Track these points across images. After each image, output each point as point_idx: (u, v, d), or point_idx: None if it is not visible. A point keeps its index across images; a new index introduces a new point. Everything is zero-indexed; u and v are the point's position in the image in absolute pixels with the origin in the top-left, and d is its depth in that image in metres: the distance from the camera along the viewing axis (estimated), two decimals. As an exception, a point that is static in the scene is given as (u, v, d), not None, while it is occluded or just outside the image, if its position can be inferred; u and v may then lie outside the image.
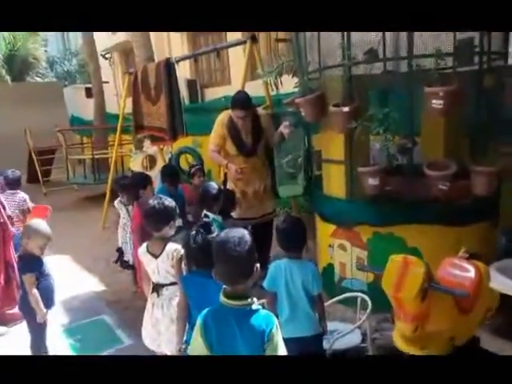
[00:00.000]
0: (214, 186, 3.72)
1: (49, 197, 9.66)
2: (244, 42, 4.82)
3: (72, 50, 19.81)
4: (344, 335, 2.82)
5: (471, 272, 2.17)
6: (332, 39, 3.53)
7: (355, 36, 3.39)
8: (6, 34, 15.90)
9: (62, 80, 17.85)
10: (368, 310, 2.92)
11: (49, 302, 2.94)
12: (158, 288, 2.69)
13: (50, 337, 3.13)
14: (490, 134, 3.31)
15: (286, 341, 1.71)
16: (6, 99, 12.67)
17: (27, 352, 3.04)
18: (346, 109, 3.24)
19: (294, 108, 4.29)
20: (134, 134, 7.01)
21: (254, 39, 4.66)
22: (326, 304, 2.78)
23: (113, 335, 3.72)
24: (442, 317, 2.03)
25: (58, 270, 5.28)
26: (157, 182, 7.34)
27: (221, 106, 8.30)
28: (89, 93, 13.44)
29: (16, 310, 3.44)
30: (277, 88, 3.71)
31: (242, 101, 4.16)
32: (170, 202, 2.76)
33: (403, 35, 3.51)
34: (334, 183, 3.76)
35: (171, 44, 11.48)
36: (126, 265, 4.48)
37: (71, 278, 4.96)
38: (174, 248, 2.64)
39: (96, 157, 9.72)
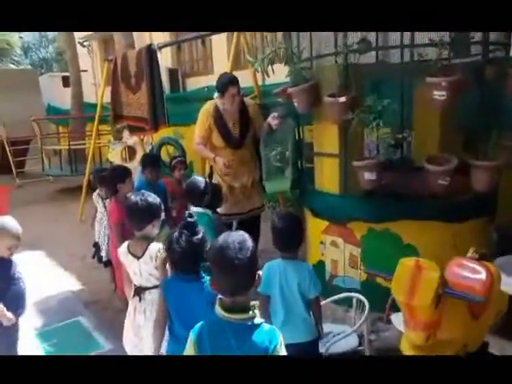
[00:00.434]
0: (200, 180, 3.50)
1: (23, 189, 9.28)
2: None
3: (49, 36, 19.20)
4: (341, 339, 2.65)
5: (482, 274, 2.00)
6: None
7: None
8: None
9: (37, 67, 17.27)
10: (366, 313, 2.76)
11: (18, 309, 2.62)
12: (140, 291, 2.46)
13: (21, 341, 2.87)
14: (490, 126, 3.16)
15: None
16: (-23, 86, 12.12)
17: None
18: (342, 99, 3.05)
19: (283, 98, 4.09)
20: (112, 123, 6.74)
21: (242, 25, 4.41)
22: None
23: (90, 339, 3.48)
24: (455, 323, 1.87)
25: (31, 267, 5.02)
26: (137, 175, 7.12)
27: (204, 96, 8.08)
28: (66, 81, 13.02)
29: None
30: (268, 76, 3.47)
31: (231, 77, 3.96)
32: (153, 198, 2.54)
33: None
34: (327, 177, 3.57)
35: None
36: (102, 261, 4.25)
37: (45, 276, 4.69)
38: (158, 248, 2.41)
39: (73, 147, 9.33)
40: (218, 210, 3.98)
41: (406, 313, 1.93)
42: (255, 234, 4.31)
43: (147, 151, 6.96)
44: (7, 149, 10.19)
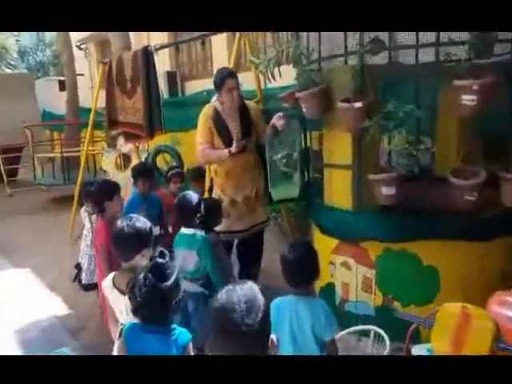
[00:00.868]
0: (192, 196, 3.16)
1: (14, 198, 8.90)
2: (232, 28, 4.21)
3: (46, 40, 18.90)
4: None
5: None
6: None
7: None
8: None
9: (34, 72, 16.95)
10: (387, 350, 2.40)
11: None
12: (126, 333, 2.10)
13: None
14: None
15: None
16: (-30, 91, 11.79)
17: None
18: (358, 104, 2.70)
19: (290, 103, 3.75)
20: (107, 130, 6.42)
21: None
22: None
23: (75, 372, 3.10)
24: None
25: (14, 287, 4.64)
26: (130, 187, 6.77)
27: (202, 100, 7.77)
28: (62, 86, 12.66)
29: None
30: (274, 79, 3.13)
31: (229, 70, 3.71)
32: (143, 223, 2.19)
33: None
34: (338, 191, 3.22)
35: (150, 32, 10.82)
36: (81, 285, 3.89)
37: (30, 299, 4.30)
38: None
39: (66, 155, 8.94)
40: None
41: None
42: (258, 253, 3.96)
43: (142, 159, 6.63)
44: (-2, 156, 9.82)
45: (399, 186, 2.77)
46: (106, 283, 2.19)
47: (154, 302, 1.73)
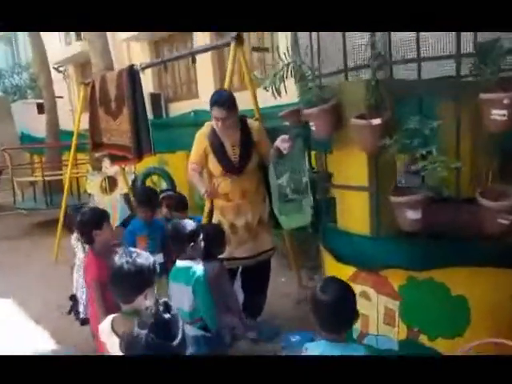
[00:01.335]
0: (187, 223, 2.90)
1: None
2: (227, 45, 3.98)
3: (22, 63, 18.49)
4: None
5: None
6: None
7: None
8: None
9: (10, 95, 16.51)
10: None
11: None
12: None
13: None
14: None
15: None
16: None
17: None
18: (376, 121, 2.47)
19: (291, 121, 3.51)
20: (90, 152, 6.14)
21: (240, 40, 3.84)
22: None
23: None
24: None
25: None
26: (118, 207, 6.44)
27: (189, 121, 7.55)
28: (40, 109, 12.30)
29: None
30: (279, 95, 2.89)
31: (221, 97, 3.40)
32: (145, 258, 1.91)
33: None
34: (354, 215, 2.97)
35: (131, 53, 10.61)
36: (79, 318, 3.54)
37: (13, 333, 3.93)
38: None
39: (48, 178, 8.60)
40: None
41: None
42: (263, 282, 3.69)
43: (129, 181, 6.37)
44: (-25, 181, 9.40)
45: (425, 210, 2.53)
46: (104, 327, 1.89)
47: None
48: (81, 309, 3.61)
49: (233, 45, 3.86)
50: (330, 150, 3.10)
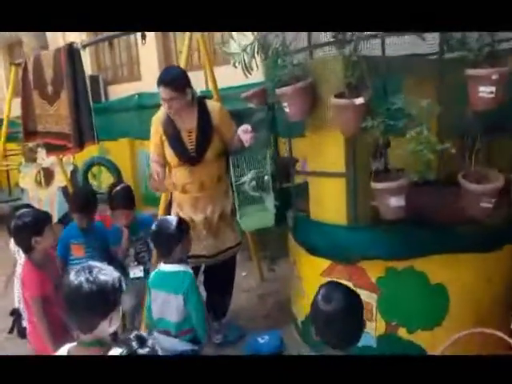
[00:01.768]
0: (171, 221, 2.61)
1: None
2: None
3: None
4: None
5: None
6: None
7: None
8: None
9: None
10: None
11: None
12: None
13: None
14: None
15: None
16: None
17: None
18: (359, 100, 2.25)
19: (256, 103, 3.24)
20: (23, 142, 5.55)
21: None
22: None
23: None
24: None
25: None
26: (56, 201, 5.89)
27: (133, 106, 7.03)
28: (-39, 94, 11.20)
29: None
30: (250, 73, 2.59)
31: (168, 75, 2.97)
32: (109, 275, 1.55)
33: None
34: (329, 204, 2.76)
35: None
36: (24, 334, 3.10)
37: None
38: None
39: (-27, 172, 7.80)
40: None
41: None
42: (227, 282, 3.40)
43: (68, 172, 5.82)
44: None
45: (409, 196, 2.37)
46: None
47: None
48: (25, 324, 3.16)
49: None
50: (301, 133, 2.86)
